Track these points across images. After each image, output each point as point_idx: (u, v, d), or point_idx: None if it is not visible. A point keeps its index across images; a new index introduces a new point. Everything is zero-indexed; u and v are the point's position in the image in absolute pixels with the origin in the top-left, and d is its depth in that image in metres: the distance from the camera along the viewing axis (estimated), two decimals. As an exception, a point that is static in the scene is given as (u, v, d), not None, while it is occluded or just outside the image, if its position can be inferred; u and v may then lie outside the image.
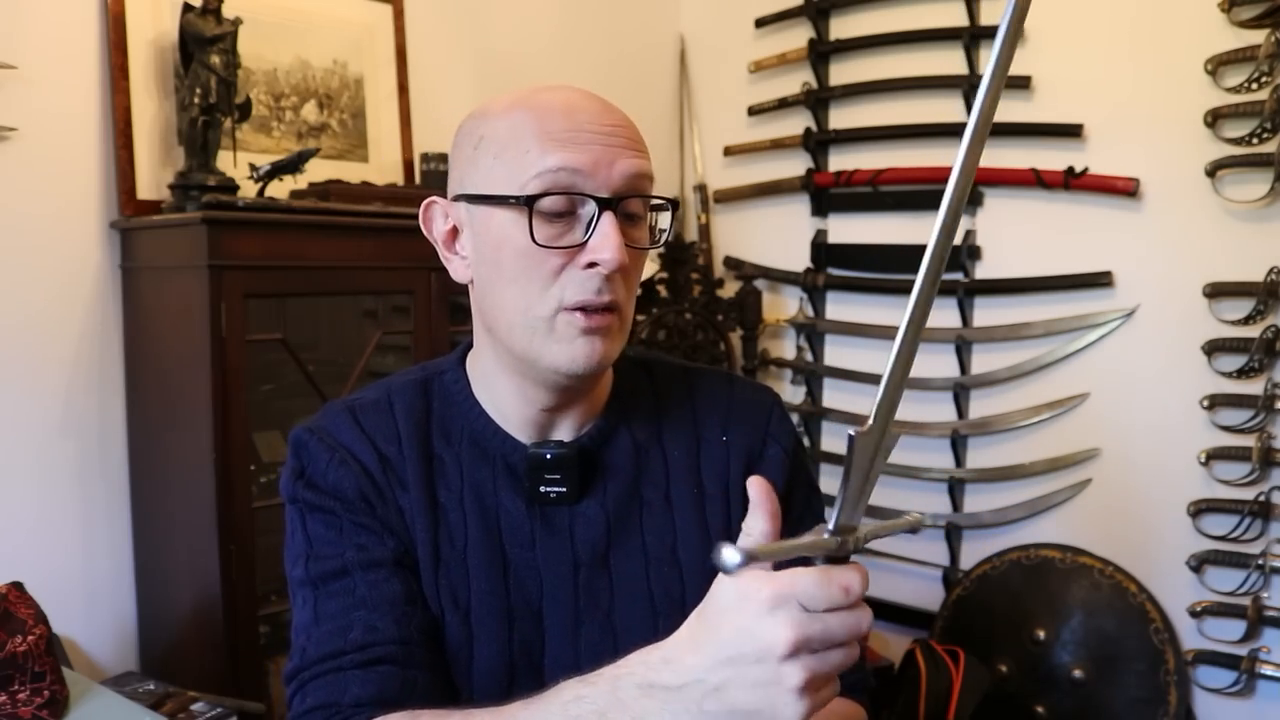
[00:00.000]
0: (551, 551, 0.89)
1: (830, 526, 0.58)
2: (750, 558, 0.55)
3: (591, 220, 0.82)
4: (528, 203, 0.81)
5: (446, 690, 0.85)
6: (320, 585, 0.86)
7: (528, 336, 0.84)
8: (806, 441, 2.76)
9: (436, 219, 0.91)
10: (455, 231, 0.90)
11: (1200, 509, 2.14)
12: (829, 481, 2.75)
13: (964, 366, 2.51)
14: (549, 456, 0.89)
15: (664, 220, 0.90)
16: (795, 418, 2.79)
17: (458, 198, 0.89)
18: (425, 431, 0.91)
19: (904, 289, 2.57)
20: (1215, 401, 2.10)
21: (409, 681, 0.81)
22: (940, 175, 2.49)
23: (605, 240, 0.81)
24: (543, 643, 0.88)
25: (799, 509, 0.96)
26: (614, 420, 0.94)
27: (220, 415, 1.74)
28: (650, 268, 2.67)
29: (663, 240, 0.90)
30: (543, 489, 0.89)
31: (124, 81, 1.88)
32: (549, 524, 0.90)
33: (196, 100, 1.83)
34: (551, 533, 0.89)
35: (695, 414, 0.96)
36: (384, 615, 0.82)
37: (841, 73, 2.69)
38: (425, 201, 0.92)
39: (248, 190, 1.88)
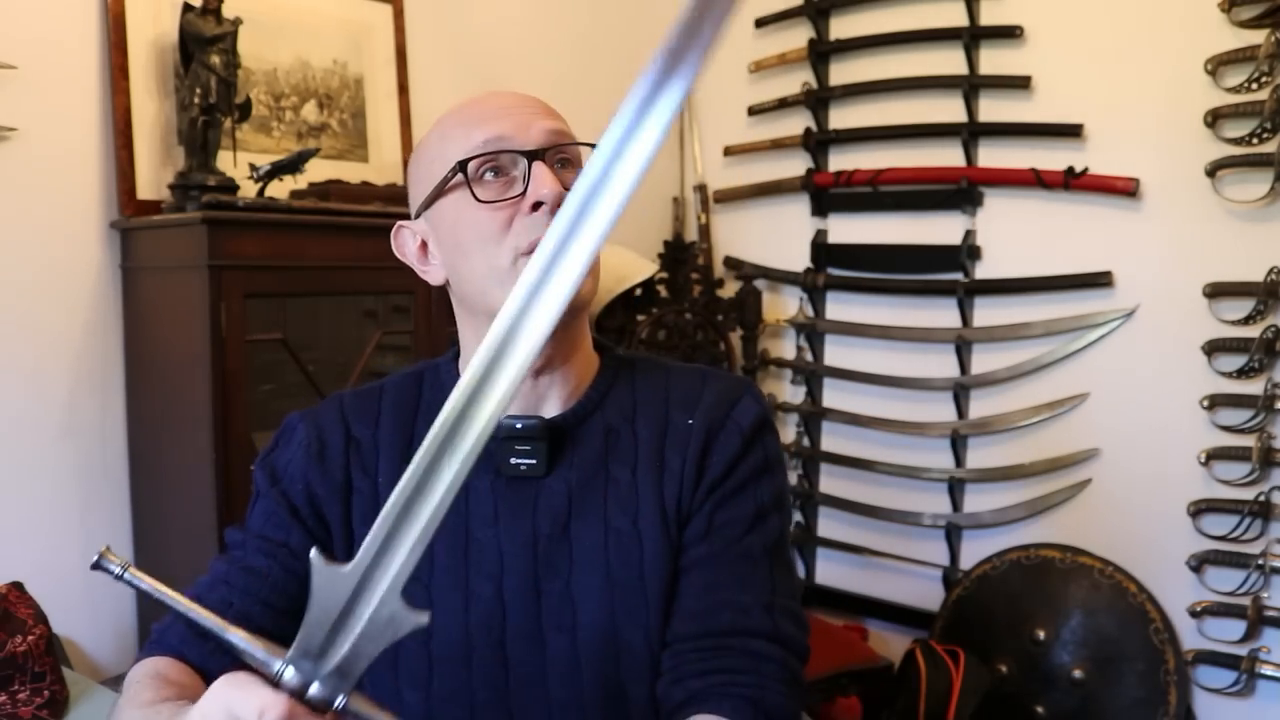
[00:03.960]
0: (512, 525, 0.93)
1: (290, 653, 0.62)
2: (121, 570, 0.67)
3: (525, 172, 0.90)
4: (461, 168, 0.90)
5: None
6: (232, 547, 0.97)
7: (498, 291, 0.89)
8: (806, 441, 2.76)
9: (407, 241, 0.99)
10: (425, 245, 0.97)
11: (1200, 509, 2.13)
12: (830, 481, 2.75)
13: (964, 366, 2.51)
14: (519, 426, 0.92)
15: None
16: (795, 417, 2.79)
17: (418, 213, 0.97)
18: (411, 418, 0.98)
19: (904, 289, 2.58)
20: (1215, 401, 2.10)
21: (209, 655, 0.88)
22: (941, 175, 2.49)
23: (540, 180, 0.88)
24: (504, 616, 0.92)
25: (737, 481, 0.94)
26: (590, 406, 0.97)
27: (220, 415, 1.74)
28: (650, 267, 2.66)
29: None
30: (512, 460, 0.93)
31: (124, 81, 1.88)
32: (513, 500, 0.94)
33: (196, 100, 1.83)
34: (514, 508, 0.93)
35: (669, 402, 0.99)
36: (234, 594, 0.91)
37: (841, 73, 2.69)
38: (394, 229, 0.99)
39: (248, 190, 1.88)
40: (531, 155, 0.89)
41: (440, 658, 0.92)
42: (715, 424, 0.97)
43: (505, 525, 0.93)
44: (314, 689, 0.60)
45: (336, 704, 0.60)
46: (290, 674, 0.61)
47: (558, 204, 0.84)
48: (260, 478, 0.98)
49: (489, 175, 0.90)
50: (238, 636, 0.64)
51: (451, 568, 0.93)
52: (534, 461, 0.93)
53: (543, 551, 0.92)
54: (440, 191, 0.92)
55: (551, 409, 0.96)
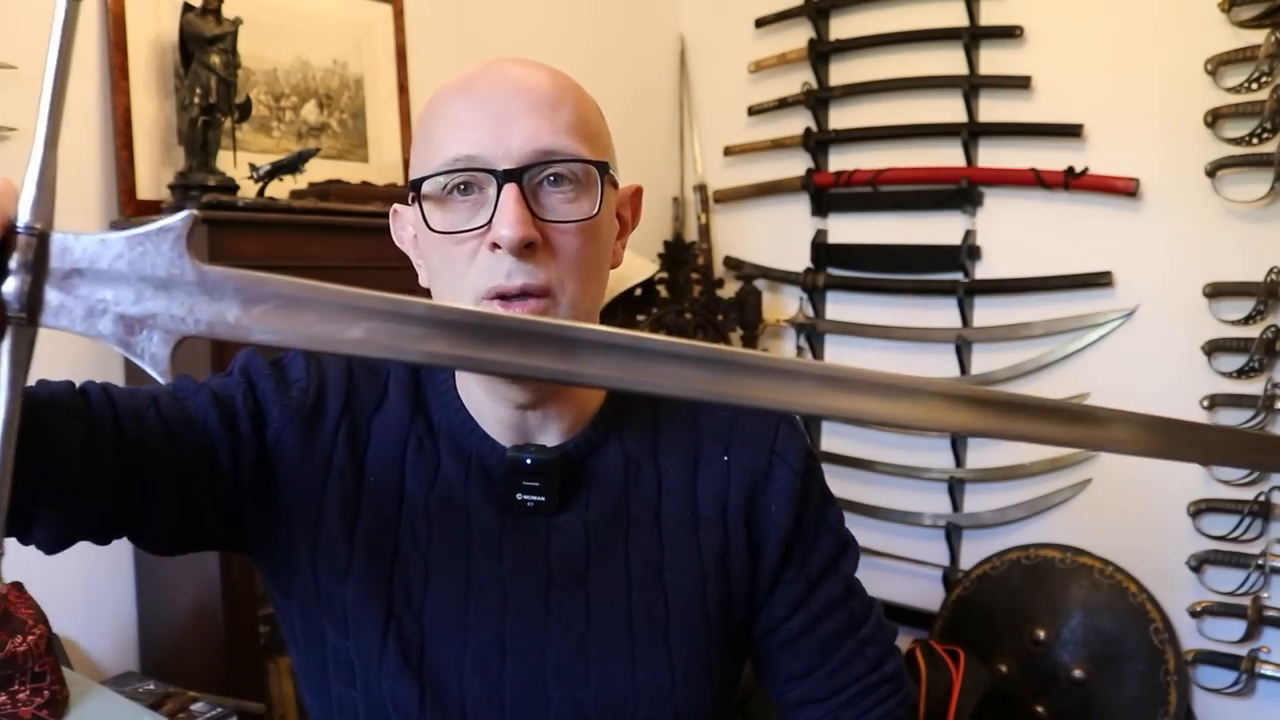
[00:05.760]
0: (521, 568, 0.83)
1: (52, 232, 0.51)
2: None
3: (497, 196, 0.74)
4: (414, 189, 0.77)
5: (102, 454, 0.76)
6: (174, 387, 0.83)
7: None
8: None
9: (403, 227, 0.86)
10: (417, 238, 0.84)
11: (1200, 509, 2.14)
12: (830, 481, 2.74)
13: (964, 366, 2.51)
14: (529, 462, 0.81)
15: (601, 186, 0.77)
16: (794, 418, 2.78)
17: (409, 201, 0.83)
18: (412, 411, 0.86)
19: (904, 289, 2.58)
20: (1215, 401, 2.10)
21: (110, 407, 0.77)
22: (940, 175, 2.49)
23: (502, 215, 0.73)
24: (503, 662, 0.82)
25: (812, 528, 0.92)
26: (604, 430, 0.86)
27: (220, 415, 1.74)
28: (650, 267, 2.66)
29: (597, 211, 0.77)
30: (519, 496, 0.82)
31: (124, 81, 1.88)
32: (521, 536, 0.83)
33: (196, 100, 1.83)
34: (523, 547, 0.83)
35: (696, 429, 0.89)
36: (158, 401, 0.80)
37: (841, 73, 2.69)
38: (391, 210, 0.87)
39: (248, 190, 1.88)
40: (507, 176, 0.74)
41: (433, 692, 0.82)
42: (759, 465, 0.89)
43: (511, 564, 0.83)
44: (20, 282, 0.50)
45: (11, 310, 0.50)
46: (25, 244, 0.50)
47: (517, 250, 0.73)
48: (238, 373, 0.85)
49: (457, 193, 0.76)
50: None
51: (448, 598, 0.83)
52: (543, 499, 0.82)
53: (556, 601, 0.83)
54: (407, 193, 0.80)
55: (553, 436, 0.85)
